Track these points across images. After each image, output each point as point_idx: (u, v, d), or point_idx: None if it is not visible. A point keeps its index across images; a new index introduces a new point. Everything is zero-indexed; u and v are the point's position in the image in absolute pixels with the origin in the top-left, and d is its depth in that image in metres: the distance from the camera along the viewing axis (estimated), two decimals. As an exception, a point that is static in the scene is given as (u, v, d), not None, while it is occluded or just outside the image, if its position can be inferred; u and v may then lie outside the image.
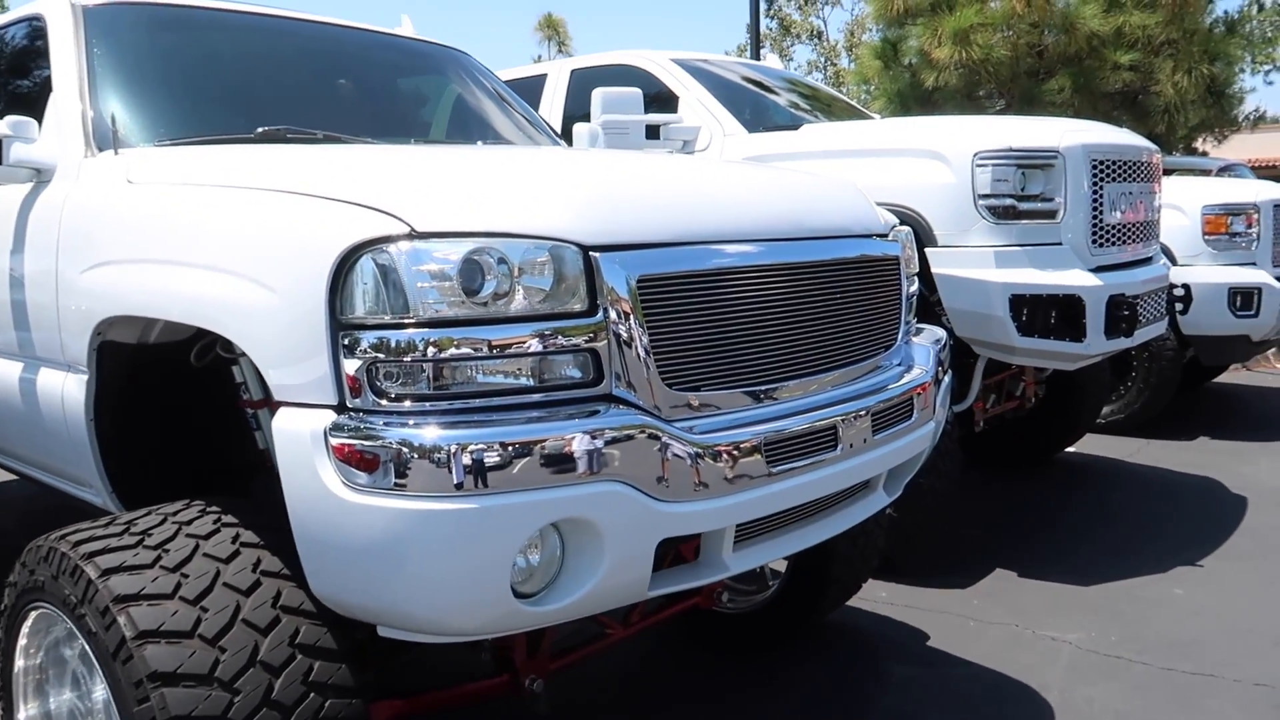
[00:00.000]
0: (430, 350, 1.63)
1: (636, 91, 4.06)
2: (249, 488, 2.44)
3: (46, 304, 2.40)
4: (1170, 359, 6.02)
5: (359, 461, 1.62)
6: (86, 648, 1.85)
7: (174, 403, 2.44)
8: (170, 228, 2.08)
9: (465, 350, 1.65)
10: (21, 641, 2.13)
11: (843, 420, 2.08)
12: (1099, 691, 3.06)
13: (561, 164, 2.32)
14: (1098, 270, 3.90)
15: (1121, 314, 3.85)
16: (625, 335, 1.75)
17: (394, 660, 2.30)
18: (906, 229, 2.67)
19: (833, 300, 2.18)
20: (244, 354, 1.90)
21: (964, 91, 9.66)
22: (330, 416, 1.66)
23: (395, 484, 1.61)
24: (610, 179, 2.07)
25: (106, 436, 2.34)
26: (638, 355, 1.77)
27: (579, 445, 1.66)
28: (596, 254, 1.75)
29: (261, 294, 1.76)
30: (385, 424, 1.62)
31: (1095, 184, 3.93)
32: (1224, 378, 8.06)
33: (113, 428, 2.35)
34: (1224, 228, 5.81)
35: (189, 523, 1.94)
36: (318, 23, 3.23)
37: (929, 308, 4.01)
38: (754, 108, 5.16)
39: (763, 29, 31.12)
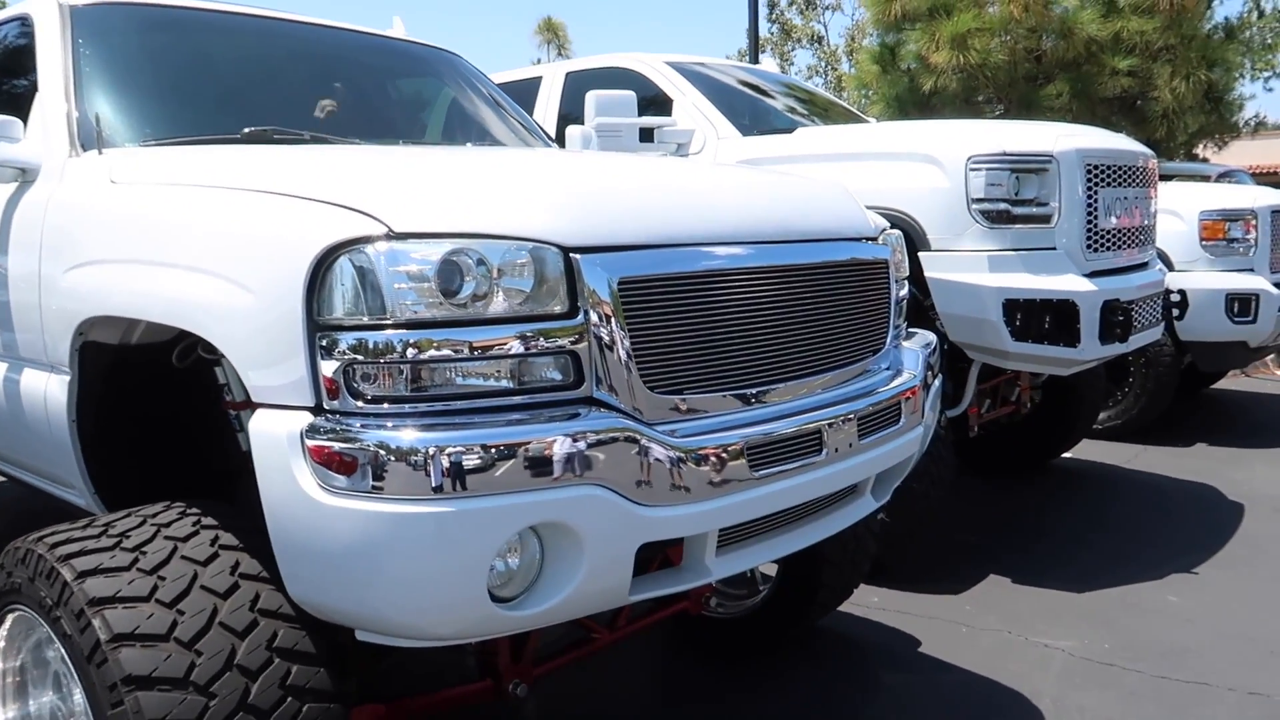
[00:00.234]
0: (409, 352, 1.62)
1: (630, 94, 4.05)
2: (234, 490, 2.43)
3: (30, 304, 2.39)
4: (1167, 365, 6.01)
5: (336, 464, 1.61)
6: (62, 651, 1.83)
7: (157, 404, 2.43)
8: (151, 228, 2.07)
9: (444, 352, 1.63)
10: (0, 644, 2.11)
11: (828, 424, 2.07)
12: (1091, 699, 3.04)
13: (544, 165, 2.31)
14: (1092, 275, 3.89)
15: (1116, 319, 3.84)
16: (606, 338, 1.74)
17: (376, 665, 2.29)
18: (897, 232, 2.65)
19: (818, 304, 2.16)
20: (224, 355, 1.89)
21: (962, 96, 9.67)
22: (307, 418, 1.65)
23: (372, 487, 1.59)
24: (593, 180, 2.06)
25: (89, 437, 2.33)
26: (619, 358, 1.75)
27: (558, 448, 1.64)
28: (577, 255, 1.73)
29: (240, 295, 1.75)
30: (363, 426, 1.61)
31: (1090, 189, 3.92)
32: (1223, 384, 8.04)
33: (95, 429, 2.33)
34: (1222, 233, 5.80)
35: (168, 525, 1.92)
36: (307, 24, 3.22)
37: (923, 312, 4.00)
38: (749, 111, 5.15)
39: (764, 33, 31.20)
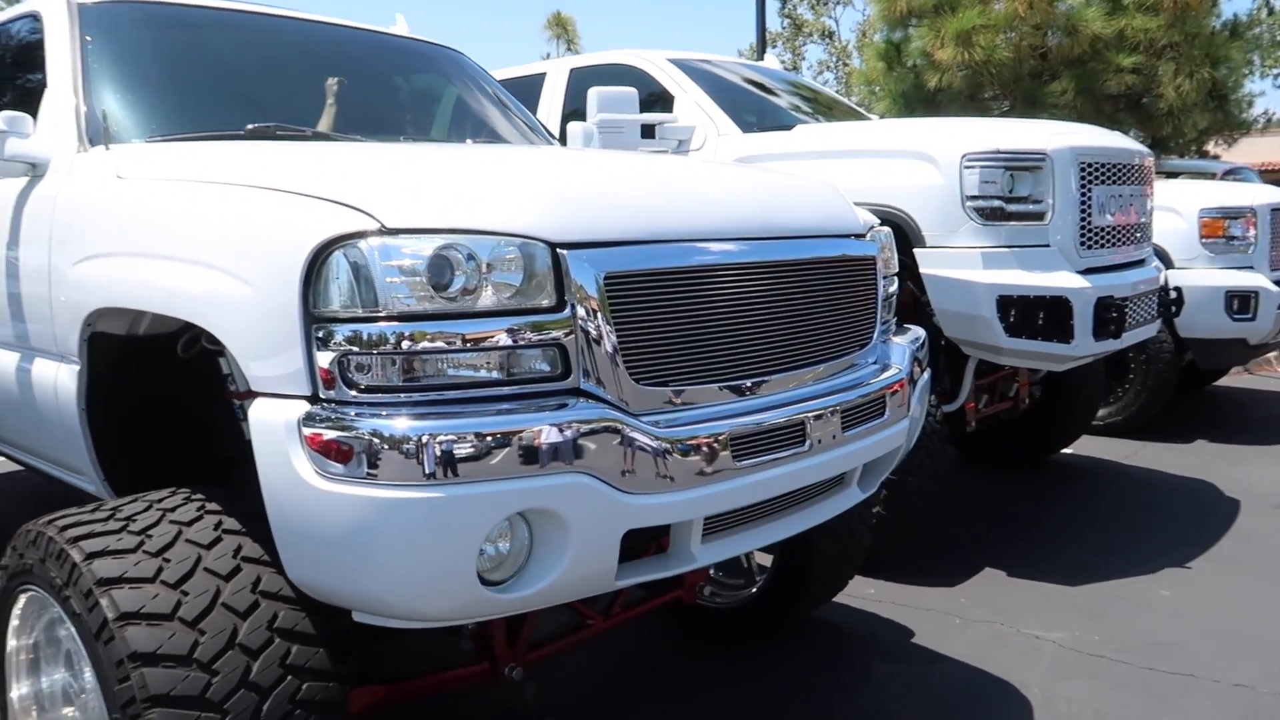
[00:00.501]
0: (401, 343, 1.68)
1: (632, 91, 4.09)
2: (239, 477, 2.49)
3: (40, 296, 2.46)
4: (1167, 362, 6.03)
5: (332, 451, 1.67)
6: (72, 629, 1.90)
7: (164, 393, 2.50)
8: (155, 222, 2.13)
9: (435, 344, 1.69)
10: (14, 623, 2.18)
11: (812, 417, 2.12)
12: (1078, 690, 3.09)
13: (534, 163, 2.36)
14: (1086, 272, 3.92)
15: (1110, 316, 3.87)
16: (593, 331, 1.79)
17: (374, 648, 2.35)
18: (886, 230, 2.70)
19: (803, 299, 2.21)
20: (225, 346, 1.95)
21: (967, 93, 9.67)
22: (304, 407, 1.71)
23: (367, 473, 1.65)
24: (581, 178, 2.11)
25: (98, 425, 2.40)
26: (605, 350, 1.81)
27: (545, 437, 1.70)
28: (565, 251, 1.79)
29: (239, 287, 1.81)
30: (357, 415, 1.67)
31: (1084, 186, 3.96)
32: (1225, 381, 8.04)
33: (104, 417, 2.40)
34: (1221, 231, 5.82)
35: (173, 509, 1.99)
36: (312, 21, 3.28)
37: (920, 307, 4.04)
38: (750, 108, 5.19)
39: (775, 28, 31.05)
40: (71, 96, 2.60)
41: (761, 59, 7.24)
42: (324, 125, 2.97)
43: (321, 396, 1.71)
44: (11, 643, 2.21)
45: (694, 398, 1.97)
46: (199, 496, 2.05)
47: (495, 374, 1.74)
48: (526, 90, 5.50)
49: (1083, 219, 3.95)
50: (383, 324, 1.67)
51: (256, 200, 1.90)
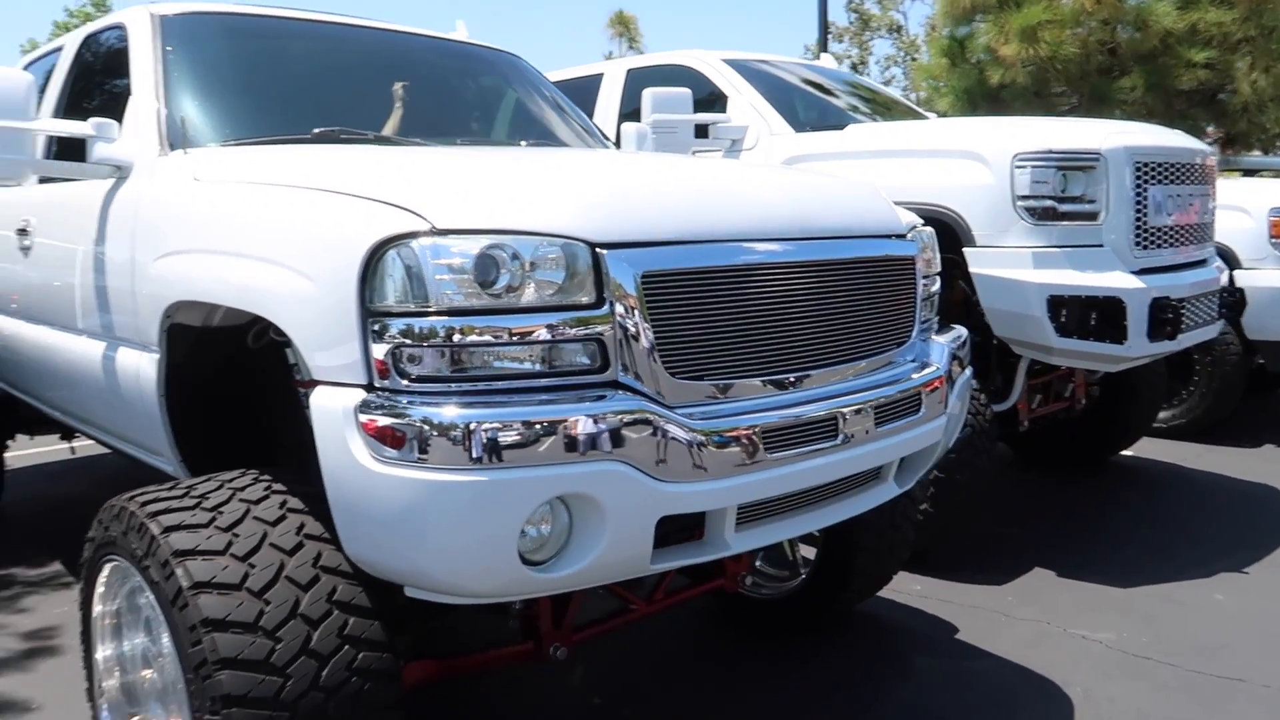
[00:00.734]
0: (450, 336, 1.79)
1: (686, 91, 4.19)
2: (304, 461, 2.64)
3: (124, 289, 2.65)
4: (1234, 364, 5.89)
5: (386, 436, 1.79)
6: (151, 597, 2.06)
7: (237, 381, 2.66)
8: (228, 221, 2.29)
9: (481, 337, 1.80)
10: (99, 590, 2.36)
11: (846, 411, 2.18)
12: (1122, 690, 3.08)
13: (578, 166, 2.46)
14: (1142, 273, 3.89)
15: (1165, 316, 3.83)
16: (631, 327, 1.89)
17: (428, 624, 2.48)
18: (929, 230, 2.74)
19: (838, 298, 2.27)
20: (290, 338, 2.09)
21: (1033, 90, 9.50)
22: (360, 395, 1.83)
23: (417, 457, 1.76)
24: (622, 180, 2.20)
25: (176, 410, 2.57)
26: (642, 345, 1.90)
27: (583, 426, 1.80)
28: (604, 251, 1.89)
29: (303, 283, 1.95)
30: (409, 403, 1.78)
31: (1139, 186, 3.92)
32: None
33: (182, 403, 2.57)
34: (1292, 230, 5.67)
35: (243, 489, 2.13)
36: (376, 29, 3.44)
37: (971, 307, 4.05)
38: (805, 108, 5.23)
39: (843, 23, 30.68)
40: (153, 103, 2.79)
41: (819, 57, 7.24)
42: (389, 128, 3.11)
43: (377, 385, 1.83)
44: (97, 608, 2.39)
45: (727, 391, 2.04)
46: (266, 477, 2.19)
47: (538, 366, 1.84)
48: (585, 91, 5.63)
49: (1138, 219, 3.92)
50: (433, 318, 1.79)
51: (318, 202, 2.03)
